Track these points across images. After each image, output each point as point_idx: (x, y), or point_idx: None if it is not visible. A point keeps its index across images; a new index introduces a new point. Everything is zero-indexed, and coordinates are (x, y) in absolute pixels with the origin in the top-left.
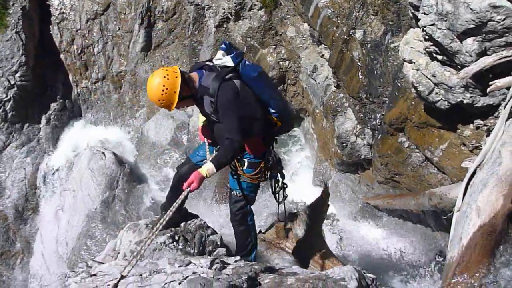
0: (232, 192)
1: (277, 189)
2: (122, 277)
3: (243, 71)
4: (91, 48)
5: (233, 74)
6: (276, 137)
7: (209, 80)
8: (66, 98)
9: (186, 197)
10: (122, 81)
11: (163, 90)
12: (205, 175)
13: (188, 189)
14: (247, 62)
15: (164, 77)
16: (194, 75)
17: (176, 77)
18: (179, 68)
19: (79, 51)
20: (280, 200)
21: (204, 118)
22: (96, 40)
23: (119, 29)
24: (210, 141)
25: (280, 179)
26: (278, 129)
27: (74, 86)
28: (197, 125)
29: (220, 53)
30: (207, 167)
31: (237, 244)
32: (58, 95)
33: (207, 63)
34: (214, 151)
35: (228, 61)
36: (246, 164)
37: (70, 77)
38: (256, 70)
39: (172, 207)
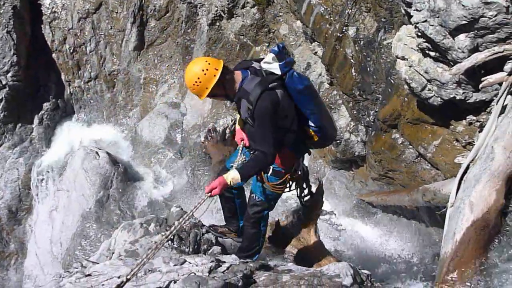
0: (252, 195)
1: (303, 195)
2: (127, 280)
3: (289, 82)
4: (83, 47)
5: (277, 83)
6: (310, 150)
7: (252, 85)
8: (59, 98)
9: (204, 201)
10: (115, 80)
11: (195, 82)
12: (229, 183)
13: (209, 194)
14: (295, 73)
15: (203, 70)
16: (238, 74)
17: (214, 75)
18: (224, 65)
19: (71, 50)
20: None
21: (242, 122)
22: (88, 39)
23: (111, 28)
24: (247, 144)
25: (306, 189)
26: (314, 143)
27: (67, 85)
28: (191, 124)
29: (270, 56)
30: (233, 175)
31: (242, 244)
32: (50, 95)
33: (254, 64)
34: (250, 155)
35: (275, 68)
36: (270, 171)
37: (63, 77)
38: (302, 83)
39: (190, 211)
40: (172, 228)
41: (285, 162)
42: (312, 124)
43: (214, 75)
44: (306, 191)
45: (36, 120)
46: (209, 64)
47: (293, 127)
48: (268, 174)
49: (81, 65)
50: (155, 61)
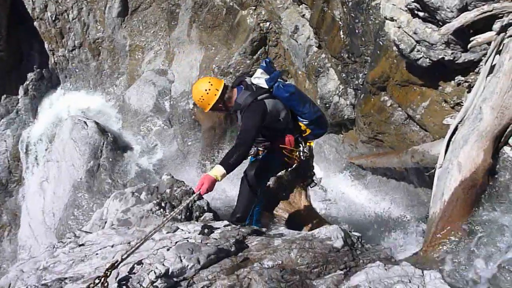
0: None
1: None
2: (122, 260)
3: (276, 92)
4: (66, 14)
5: (266, 95)
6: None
7: (243, 98)
8: (43, 68)
9: (195, 200)
10: (99, 48)
11: (200, 99)
12: (214, 177)
13: (198, 192)
14: (280, 85)
15: (206, 90)
16: (234, 91)
17: (215, 95)
18: (224, 84)
19: (53, 18)
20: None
21: None
22: (71, 6)
23: None
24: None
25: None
26: (308, 135)
27: (51, 54)
28: (179, 91)
29: (259, 72)
30: (217, 169)
31: (236, 205)
32: (34, 65)
33: (246, 79)
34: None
35: (263, 83)
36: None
37: (46, 46)
38: (288, 91)
39: (180, 206)
40: (176, 210)
41: (290, 143)
42: (304, 121)
43: (215, 94)
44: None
45: (21, 91)
46: (211, 85)
47: (289, 125)
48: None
49: (64, 33)
50: (140, 27)
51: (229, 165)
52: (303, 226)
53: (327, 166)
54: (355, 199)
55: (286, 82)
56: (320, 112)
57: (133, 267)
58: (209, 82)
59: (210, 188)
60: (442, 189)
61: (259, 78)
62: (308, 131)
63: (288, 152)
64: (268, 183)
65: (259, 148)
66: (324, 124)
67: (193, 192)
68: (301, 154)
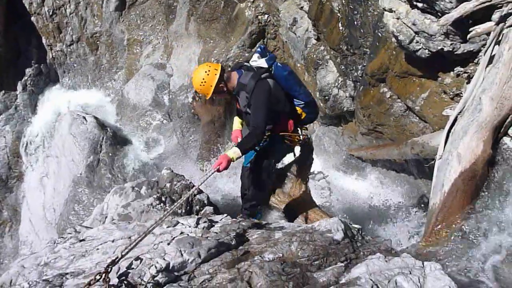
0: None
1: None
2: (122, 257)
3: (276, 71)
4: (63, 9)
5: (267, 74)
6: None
7: (247, 78)
8: (41, 63)
9: (211, 175)
10: (97, 42)
11: (201, 83)
12: (230, 157)
13: (217, 168)
14: (278, 64)
15: (206, 72)
16: (234, 74)
17: (215, 74)
18: (221, 66)
19: (50, 13)
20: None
21: (238, 123)
22: (68, 1)
23: None
24: None
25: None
26: (304, 119)
27: (48, 50)
28: (178, 85)
29: (255, 56)
30: (234, 150)
31: (250, 194)
32: (32, 60)
33: (245, 63)
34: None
35: (262, 63)
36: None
37: (44, 41)
38: (286, 69)
39: (183, 197)
40: (180, 201)
41: (290, 127)
42: (301, 102)
43: (215, 74)
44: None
45: (19, 87)
46: (209, 67)
47: (286, 109)
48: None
49: (62, 28)
50: (137, 21)
51: (244, 149)
52: (304, 218)
53: (327, 158)
54: (355, 191)
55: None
56: (311, 96)
57: (133, 262)
58: (207, 65)
59: (226, 167)
60: (442, 180)
61: (257, 61)
62: (304, 115)
63: (288, 136)
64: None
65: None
66: (316, 109)
67: (191, 184)
68: (300, 136)
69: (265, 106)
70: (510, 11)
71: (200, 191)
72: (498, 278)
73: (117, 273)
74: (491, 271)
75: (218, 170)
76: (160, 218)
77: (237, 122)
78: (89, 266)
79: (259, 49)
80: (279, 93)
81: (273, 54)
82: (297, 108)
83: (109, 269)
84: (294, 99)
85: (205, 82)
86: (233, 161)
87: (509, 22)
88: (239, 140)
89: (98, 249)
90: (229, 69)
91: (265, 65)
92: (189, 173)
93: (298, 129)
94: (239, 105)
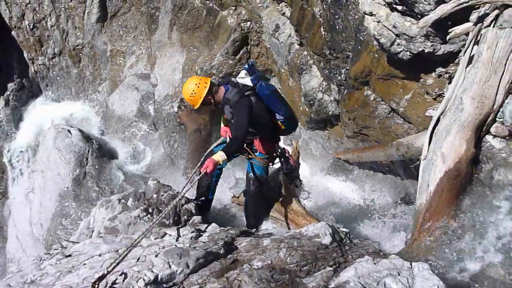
0: (250, 175)
1: (286, 172)
2: (108, 272)
3: (259, 90)
4: (44, 22)
5: (251, 92)
6: (281, 137)
7: (232, 94)
8: (23, 77)
9: (199, 177)
10: (80, 54)
11: (191, 94)
12: (217, 161)
13: (205, 171)
14: (262, 83)
15: (196, 84)
16: (221, 88)
17: (205, 87)
18: (211, 81)
19: (31, 27)
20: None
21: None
22: (48, 14)
23: (71, 0)
24: (231, 136)
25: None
26: (282, 131)
27: (30, 63)
28: (163, 95)
29: (243, 72)
30: (220, 154)
31: (249, 221)
32: (14, 75)
33: (232, 79)
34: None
35: (248, 82)
36: (257, 153)
37: (25, 55)
38: (269, 89)
39: (185, 185)
40: (167, 208)
41: (266, 148)
42: (281, 117)
43: (205, 87)
44: (286, 166)
45: (1, 102)
46: (200, 79)
47: (267, 122)
48: (257, 153)
49: (43, 41)
50: (120, 32)
51: (229, 153)
52: (292, 224)
53: (314, 162)
54: (343, 194)
55: (268, 83)
56: (292, 111)
57: (121, 275)
58: (198, 78)
59: (213, 170)
60: (427, 180)
61: (244, 78)
62: (283, 127)
63: (267, 154)
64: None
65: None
66: (296, 122)
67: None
68: (277, 151)
69: (246, 118)
70: (487, 11)
71: (188, 201)
72: (486, 276)
73: (105, 287)
74: (479, 269)
75: (206, 173)
76: (146, 229)
77: (225, 121)
78: (76, 282)
79: (247, 66)
80: (261, 109)
81: (259, 73)
82: (278, 122)
83: (96, 285)
84: (276, 114)
85: (195, 93)
86: (220, 164)
87: (487, 22)
88: (228, 134)
89: (85, 264)
90: (217, 84)
91: (250, 84)
92: (177, 183)
93: (277, 142)
94: (226, 116)
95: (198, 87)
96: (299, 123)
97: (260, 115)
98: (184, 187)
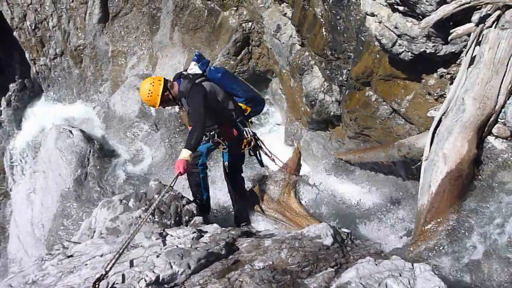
0: (224, 164)
1: (259, 158)
2: (106, 272)
3: (209, 74)
4: (45, 23)
5: (202, 78)
6: (250, 120)
7: (184, 85)
8: (25, 78)
9: (175, 180)
10: (81, 55)
11: (148, 94)
12: (183, 158)
13: (177, 174)
14: (211, 68)
15: (151, 83)
16: (175, 83)
17: (160, 85)
18: (164, 78)
19: (33, 27)
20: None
21: None
22: (50, 14)
23: (72, 1)
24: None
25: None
26: (249, 113)
27: (32, 64)
28: None
29: (192, 64)
30: (183, 152)
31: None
32: (16, 75)
33: (183, 72)
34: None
35: (196, 69)
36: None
37: (27, 55)
38: (219, 71)
39: (163, 191)
40: (150, 208)
41: (230, 135)
42: (241, 98)
43: (160, 85)
44: (260, 153)
45: (3, 102)
46: (153, 79)
47: (229, 106)
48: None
49: (45, 42)
50: (121, 33)
51: (191, 146)
52: (293, 224)
53: (315, 163)
54: (344, 195)
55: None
56: (252, 90)
57: (123, 276)
58: (151, 78)
59: (186, 168)
60: (429, 181)
61: (193, 68)
62: (249, 109)
63: (237, 139)
64: (257, 186)
65: (215, 138)
66: (260, 101)
67: (179, 194)
68: (247, 134)
69: (201, 105)
70: (489, 12)
71: (189, 201)
72: (487, 276)
73: None
74: (480, 269)
75: (180, 174)
76: (138, 225)
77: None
78: (77, 282)
79: (195, 57)
80: (217, 93)
81: (207, 59)
82: (241, 104)
83: (97, 285)
84: (235, 97)
85: (151, 92)
86: (189, 160)
87: (488, 23)
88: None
89: (86, 264)
90: (171, 79)
91: (199, 71)
92: (178, 183)
93: (246, 124)
94: (185, 110)
95: (153, 85)
96: (299, 123)
97: (218, 100)
98: (164, 192)
